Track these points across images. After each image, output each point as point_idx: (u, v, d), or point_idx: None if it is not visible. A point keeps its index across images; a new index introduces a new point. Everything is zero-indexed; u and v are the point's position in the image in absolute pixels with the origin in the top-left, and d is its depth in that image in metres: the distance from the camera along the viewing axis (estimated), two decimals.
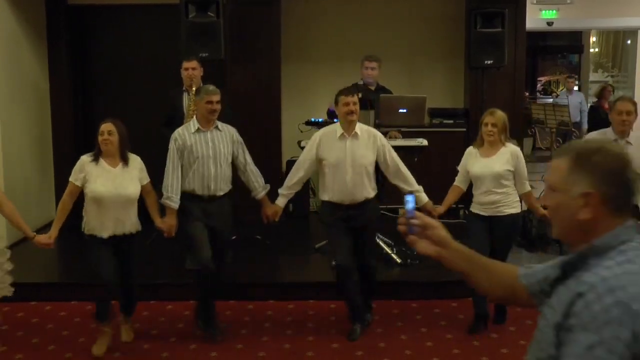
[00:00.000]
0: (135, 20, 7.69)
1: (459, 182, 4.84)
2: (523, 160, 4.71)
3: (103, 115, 7.58)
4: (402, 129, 6.27)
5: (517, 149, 4.75)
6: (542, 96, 15.30)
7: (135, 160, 4.43)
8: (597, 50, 13.26)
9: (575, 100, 10.49)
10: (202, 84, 5.85)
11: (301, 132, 6.13)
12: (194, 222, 4.56)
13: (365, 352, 4.47)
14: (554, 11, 9.56)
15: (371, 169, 4.65)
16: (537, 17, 9.38)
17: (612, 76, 12.68)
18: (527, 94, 12.57)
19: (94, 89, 7.80)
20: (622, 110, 4.66)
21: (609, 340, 1.40)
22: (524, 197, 4.78)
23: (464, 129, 7.39)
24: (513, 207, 4.68)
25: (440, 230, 1.84)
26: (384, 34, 7.67)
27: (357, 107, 4.56)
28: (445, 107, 7.69)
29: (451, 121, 7.50)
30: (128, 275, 4.47)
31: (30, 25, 6.98)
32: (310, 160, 4.68)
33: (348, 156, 4.55)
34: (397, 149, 6.07)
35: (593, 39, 13.30)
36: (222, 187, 4.62)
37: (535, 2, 9.10)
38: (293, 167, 4.81)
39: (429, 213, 4.53)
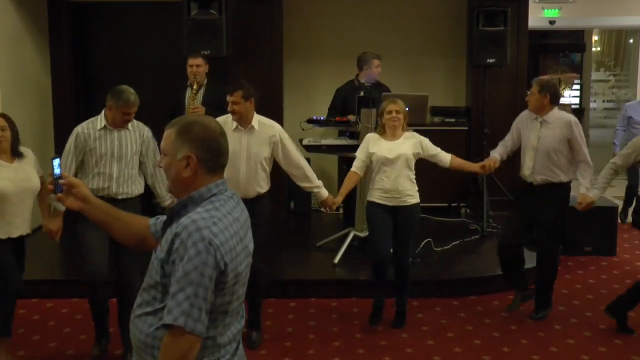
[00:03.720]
0: (137, 17, 7.70)
1: (357, 169, 4.72)
2: (427, 139, 4.76)
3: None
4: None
5: (415, 133, 4.80)
6: None
7: (28, 152, 4.25)
8: (599, 49, 13.27)
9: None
10: (206, 80, 5.88)
11: (303, 130, 6.12)
12: (90, 225, 4.28)
13: (367, 350, 4.47)
14: (556, 10, 9.55)
15: (266, 163, 4.46)
16: (539, 16, 9.36)
17: (614, 75, 12.67)
18: (528, 92, 12.55)
19: (96, 86, 7.79)
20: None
21: (199, 266, 1.79)
22: (452, 165, 4.79)
23: (466, 128, 7.40)
24: (416, 196, 4.68)
25: (83, 188, 2.17)
26: (385, 32, 7.66)
27: (239, 106, 4.30)
28: (447, 105, 7.69)
29: (453, 119, 7.50)
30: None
31: (32, 22, 6.99)
32: None
33: (243, 150, 4.36)
34: None
35: (595, 37, 13.30)
36: (127, 189, 4.27)
37: (537, 0, 9.09)
38: None
39: (330, 206, 4.63)
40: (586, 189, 4.72)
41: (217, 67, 6.82)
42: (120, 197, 4.23)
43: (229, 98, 4.32)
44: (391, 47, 7.57)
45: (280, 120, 7.41)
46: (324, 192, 4.64)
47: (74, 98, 7.50)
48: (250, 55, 7.31)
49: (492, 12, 6.85)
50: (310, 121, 6.07)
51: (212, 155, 1.96)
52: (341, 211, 6.57)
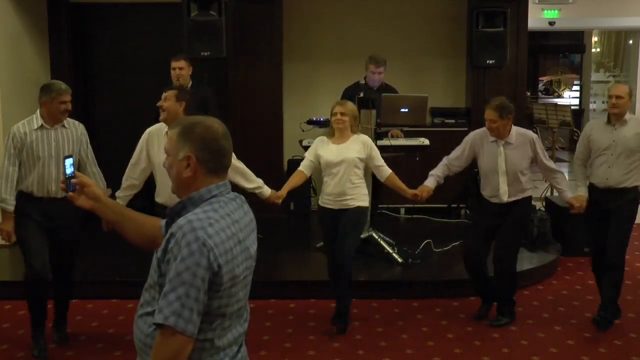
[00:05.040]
0: (137, 18, 7.70)
1: (304, 167, 4.74)
2: (375, 147, 4.72)
3: (104, 112, 7.71)
4: (404, 128, 6.28)
5: (367, 136, 4.76)
6: (543, 96, 15.28)
7: None
8: (598, 50, 13.24)
9: None
10: (191, 83, 5.89)
11: (303, 131, 6.12)
12: (29, 225, 4.20)
13: (367, 351, 4.47)
14: (556, 11, 9.54)
15: None
16: (539, 17, 9.36)
17: (613, 76, 12.66)
18: (528, 93, 12.55)
19: (96, 87, 7.81)
20: None
21: (192, 266, 1.79)
22: (388, 181, 4.76)
23: (466, 129, 7.38)
24: (361, 200, 4.64)
25: (95, 187, 2.19)
26: (385, 33, 7.67)
27: (168, 103, 4.17)
28: (447, 106, 7.69)
29: (453, 120, 7.51)
30: None
31: (32, 23, 6.99)
32: (142, 157, 4.28)
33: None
34: (398, 148, 6.11)
35: (595, 38, 13.28)
36: None
37: (537, 1, 9.09)
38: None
39: (275, 201, 4.65)
40: (571, 193, 4.78)
41: (217, 68, 6.83)
42: (60, 196, 4.17)
43: (163, 95, 4.19)
44: (391, 47, 7.57)
45: (280, 121, 7.44)
46: (267, 190, 4.63)
47: (73, 98, 7.44)
48: (250, 56, 7.31)
49: (492, 13, 6.85)
50: (310, 122, 6.07)
51: (212, 156, 1.96)
52: None
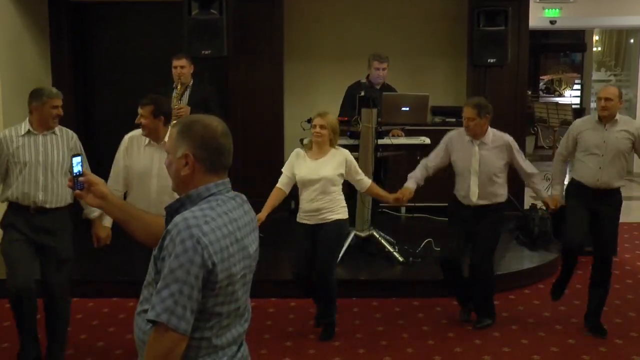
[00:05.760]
0: (138, 17, 7.70)
1: (282, 185, 4.55)
2: (354, 161, 4.60)
3: (105, 111, 7.71)
4: (405, 127, 6.27)
5: (347, 151, 4.61)
6: (544, 95, 15.27)
7: None
8: (599, 49, 13.23)
9: None
10: (192, 81, 5.89)
11: (303, 130, 6.09)
12: (14, 237, 4.03)
13: (367, 350, 4.47)
14: (557, 10, 9.55)
15: None
16: (540, 16, 9.36)
17: (614, 75, 12.65)
18: (529, 92, 12.55)
19: (96, 86, 7.81)
20: None
21: (185, 264, 1.79)
22: (369, 192, 4.71)
23: None
24: (338, 212, 4.51)
25: (102, 186, 2.22)
26: (386, 32, 7.67)
27: (147, 121, 4.00)
28: (448, 105, 7.68)
29: (453, 119, 7.48)
30: None
31: (32, 22, 6.99)
32: (121, 167, 4.09)
33: (155, 166, 3.99)
34: (399, 147, 6.11)
35: (596, 37, 13.27)
36: (55, 198, 4.07)
37: (538, 0, 9.09)
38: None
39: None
40: (548, 193, 4.84)
41: (218, 67, 6.82)
42: (48, 206, 4.06)
43: (139, 110, 4.04)
44: (392, 47, 7.56)
45: (280, 120, 7.44)
46: None
47: (74, 98, 7.49)
48: (250, 55, 7.31)
49: (493, 12, 6.85)
50: (310, 121, 6.05)
51: (210, 154, 1.96)
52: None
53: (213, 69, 6.57)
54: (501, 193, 4.72)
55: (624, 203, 4.81)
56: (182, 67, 5.79)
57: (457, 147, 4.76)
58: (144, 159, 4.04)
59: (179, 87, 5.75)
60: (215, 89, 6.22)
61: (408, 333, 4.73)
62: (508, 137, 4.74)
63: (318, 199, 4.46)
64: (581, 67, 14.75)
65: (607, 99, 4.58)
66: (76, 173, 2.24)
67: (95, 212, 4.17)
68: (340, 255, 5.71)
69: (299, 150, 4.61)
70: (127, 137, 4.13)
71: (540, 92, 15.47)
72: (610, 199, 4.65)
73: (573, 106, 12.30)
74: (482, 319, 4.82)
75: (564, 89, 15.48)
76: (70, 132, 4.22)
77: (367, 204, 5.87)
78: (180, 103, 5.73)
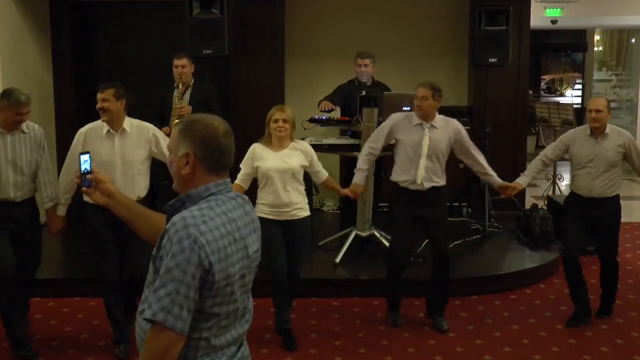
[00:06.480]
0: (139, 16, 7.70)
1: (241, 182, 4.40)
2: (314, 153, 4.59)
3: None
4: None
5: (306, 143, 4.63)
6: (545, 94, 15.26)
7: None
8: (601, 48, 13.21)
9: None
10: (193, 81, 5.89)
11: (305, 129, 6.11)
12: None
13: (368, 350, 4.47)
14: (558, 9, 9.54)
15: (142, 167, 4.27)
16: (541, 15, 9.35)
17: (616, 75, 12.64)
18: (531, 92, 12.53)
19: (97, 84, 7.76)
20: None
21: (182, 263, 1.79)
22: (325, 185, 4.69)
23: (468, 127, 7.34)
24: (306, 210, 4.50)
25: (109, 184, 2.26)
26: (387, 32, 7.66)
27: (109, 103, 4.15)
28: (449, 105, 7.65)
29: (455, 119, 7.48)
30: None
31: (34, 21, 6.99)
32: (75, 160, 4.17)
33: (117, 155, 4.14)
34: None
35: (597, 37, 13.25)
36: (23, 192, 4.25)
37: (539, 0, 9.08)
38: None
39: None
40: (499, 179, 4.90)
41: (219, 66, 6.82)
42: (18, 200, 4.22)
43: (99, 96, 4.14)
44: (393, 46, 7.57)
45: None
46: None
47: (75, 97, 7.50)
48: (251, 55, 7.31)
49: (494, 12, 6.84)
50: (312, 120, 6.06)
51: (211, 154, 1.96)
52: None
53: (214, 69, 6.57)
54: (442, 177, 4.73)
55: (625, 203, 4.83)
56: (183, 67, 5.79)
57: (404, 130, 4.73)
58: (106, 149, 4.14)
59: (180, 87, 5.75)
60: (216, 88, 6.22)
61: (409, 332, 4.73)
62: (457, 123, 4.80)
63: (288, 190, 4.39)
64: (582, 66, 14.73)
65: (597, 111, 4.64)
66: (84, 170, 2.26)
67: (48, 204, 4.35)
68: (341, 255, 5.74)
69: (256, 145, 4.50)
70: (81, 131, 4.26)
71: (542, 92, 15.45)
72: (608, 206, 4.74)
73: (574, 106, 12.29)
74: (443, 319, 4.79)
75: (565, 89, 15.46)
76: (38, 127, 4.31)
77: (368, 203, 5.87)
78: (181, 102, 5.73)
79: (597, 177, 4.69)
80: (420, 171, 4.63)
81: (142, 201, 4.15)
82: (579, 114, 12.40)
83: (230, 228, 1.92)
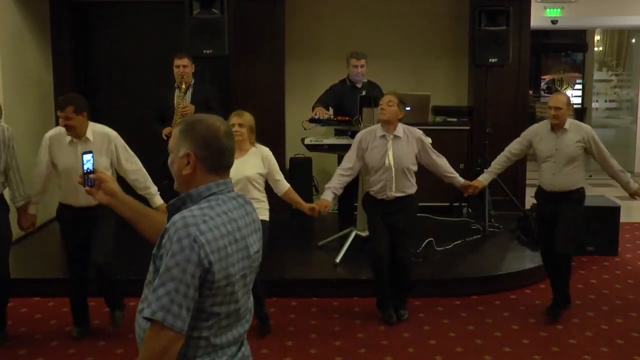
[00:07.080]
0: (139, 16, 7.71)
1: None
2: (275, 161, 4.54)
3: (106, 110, 7.71)
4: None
5: (267, 149, 4.53)
6: (546, 94, 15.25)
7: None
8: (601, 48, 13.21)
9: None
10: (193, 81, 5.89)
11: (305, 129, 6.11)
12: None
13: (368, 350, 4.47)
14: (559, 9, 9.53)
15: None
16: (541, 15, 9.35)
17: (616, 75, 12.64)
18: (531, 92, 12.53)
19: (97, 84, 7.81)
20: None
21: (182, 262, 1.80)
22: (285, 196, 4.62)
23: (468, 127, 7.38)
24: (262, 215, 4.35)
25: (112, 184, 2.27)
26: (387, 32, 7.67)
27: (72, 121, 4.18)
28: (449, 105, 7.68)
29: (455, 119, 7.50)
30: None
31: (34, 20, 6.99)
32: (45, 163, 4.37)
33: (79, 163, 4.23)
34: None
35: (597, 37, 13.24)
36: None
37: (539, 0, 9.08)
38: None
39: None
40: (464, 180, 5.02)
41: (219, 66, 6.82)
42: None
43: (59, 113, 4.19)
44: (393, 46, 7.57)
45: (282, 120, 7.44)
46: (158, 199, 4.51)
47: None
48: (251, 55, 7.31)
49: (494, 12, 6.84)
50: (312, 120, 6.06)
51: (212, 154, 1.96)
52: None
53: (214, 68, 6.57)
54: (413, 184, 4.80)
55: (625, 203, 4.82)
56: (184, 67, 5.79)
57: (371, 144, 4.80)
58: (68, 156, 4.24)
59: (182, 87, 5.74)
60: (216, 88, 6.22)
61: (409, 333, 4.73)
62: (419, 132, 4.86)
63: None
64: (582, 67, 14.72)
65: (556, 108, 4.75)
66: (86, 170, 2.26)
67: (20, 202, 4.45)
68: (341, 255, 5.74)
69: None
70: (47, 135, 4.36)
71: (542, 92, 15.45)
72: (569, 199, 4.82)
73: (575, 106, 12.29)
74: (404, 311, 4.93)
75: (565, 89, 15.45)
76: (7, 128, 4.37)
77: None
78: (184, 102, 5.72)
79: (558, 171, 4.79)
80: (390, 183, 4.73)
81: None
82: (580, 114, 12.43)
83: (231, 228, 1.92)
